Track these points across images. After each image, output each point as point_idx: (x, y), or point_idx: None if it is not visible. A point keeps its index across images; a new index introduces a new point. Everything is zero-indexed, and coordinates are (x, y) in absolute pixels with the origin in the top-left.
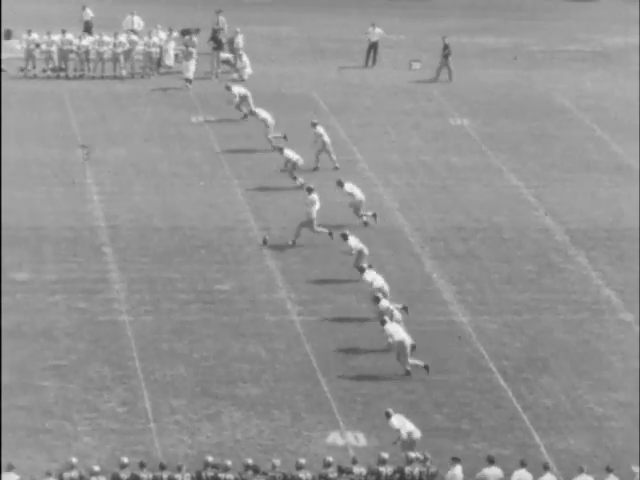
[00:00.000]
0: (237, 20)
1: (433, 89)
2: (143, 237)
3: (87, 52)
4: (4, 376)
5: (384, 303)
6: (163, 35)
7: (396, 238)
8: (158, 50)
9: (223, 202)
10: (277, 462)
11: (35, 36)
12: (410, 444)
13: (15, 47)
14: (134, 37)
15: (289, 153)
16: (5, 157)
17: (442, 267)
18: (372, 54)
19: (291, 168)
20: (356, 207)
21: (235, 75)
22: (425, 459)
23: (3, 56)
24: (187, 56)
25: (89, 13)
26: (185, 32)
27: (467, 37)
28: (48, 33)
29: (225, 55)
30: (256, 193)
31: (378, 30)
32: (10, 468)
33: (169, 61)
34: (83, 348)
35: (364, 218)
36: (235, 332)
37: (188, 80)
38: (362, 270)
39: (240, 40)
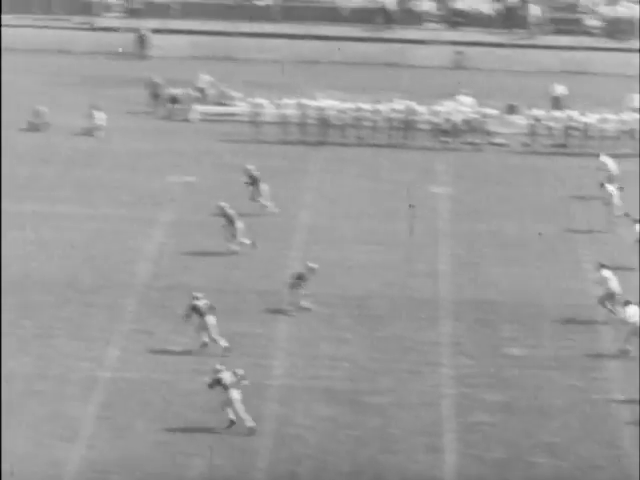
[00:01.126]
0: None
1: None
2: None
3: (589, 129)
4: (498, 451)
5: None
6: None
7: None
8: None
9: None
10: None
11: (538, 112)
12: None
13: (518, 122)
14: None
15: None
16: (503, 232)
17: None
18: None
19: None
20: (606, 297)
21: None
22: None
23: (506, 130)
24: None
25: (559, 89)
26: None
27: None
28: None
29: None
30: None
31: None
32: None
33: None
34: (577, 426)
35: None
36: None
37: None
38: None
39: None
